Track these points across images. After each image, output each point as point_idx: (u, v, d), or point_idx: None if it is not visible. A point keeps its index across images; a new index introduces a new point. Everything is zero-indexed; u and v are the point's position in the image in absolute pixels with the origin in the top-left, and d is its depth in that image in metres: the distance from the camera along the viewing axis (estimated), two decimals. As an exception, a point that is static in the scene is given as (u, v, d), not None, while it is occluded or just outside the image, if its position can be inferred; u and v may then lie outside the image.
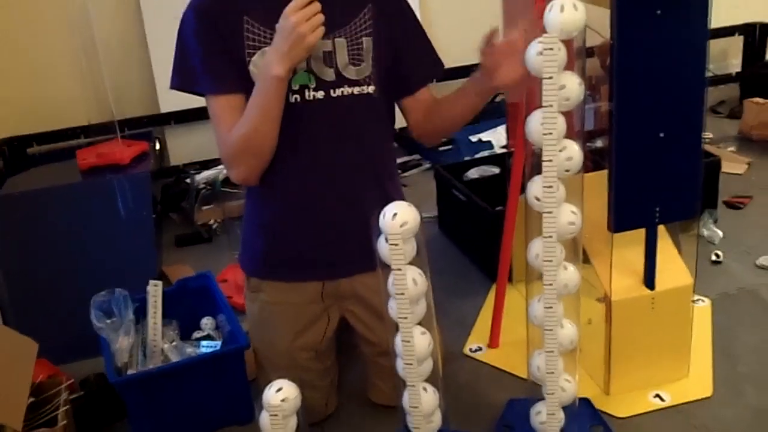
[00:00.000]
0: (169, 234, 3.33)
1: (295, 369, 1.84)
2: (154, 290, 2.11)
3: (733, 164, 3.52)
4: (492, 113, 4.05)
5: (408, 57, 1.79)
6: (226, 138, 1.68)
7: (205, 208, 3.42)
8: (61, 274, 2.64)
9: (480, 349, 2.30)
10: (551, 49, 1.41)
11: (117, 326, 2.00)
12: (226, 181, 3.44)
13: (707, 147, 3.49)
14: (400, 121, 1.89)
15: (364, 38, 1.70)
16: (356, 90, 1.71)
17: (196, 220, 3.38)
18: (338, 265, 1.83)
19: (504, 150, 3.50)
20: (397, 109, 1.88)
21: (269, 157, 1.70)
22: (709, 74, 4.27)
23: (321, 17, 1.53)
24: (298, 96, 1.68)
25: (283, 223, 1.82)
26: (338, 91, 1.70)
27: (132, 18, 3.69)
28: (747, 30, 4.59)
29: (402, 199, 1.79)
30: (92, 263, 2.66)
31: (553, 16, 1.44)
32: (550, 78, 1.42)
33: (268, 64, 1.57)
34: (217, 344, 2.11)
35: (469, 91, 1.72)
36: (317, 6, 1.52)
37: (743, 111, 3.99)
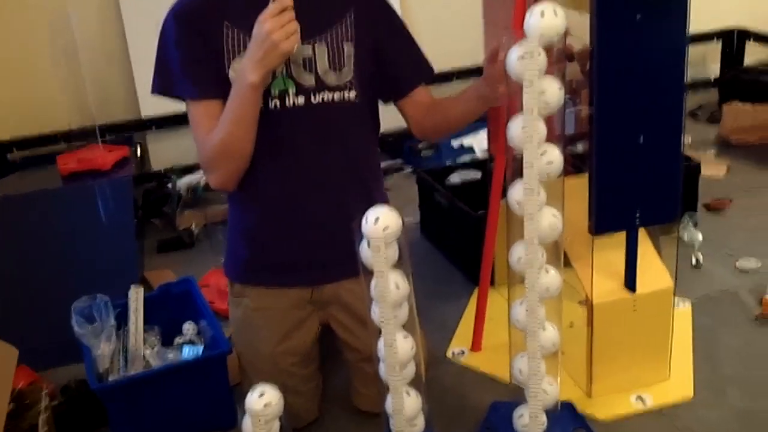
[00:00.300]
0: (150, 239, 3.32)
1: (278, 374, 1.84)
2: (136, 295, 2.11)
3: (712, 168, 3.55)
4: (473, 118, 4.08)
5: (397, 60, 1.79)
6: (203, 143, 1.68)
7: (186, 212, 3.41)
8: (41, 279, 2.63)
9: (463, 352, 2.31)
10: (531, 54, 1.42)
11: (98, 332, 1.99)
12: (208, 186, 3.43)
13: (687, 151, 3.51)
14: (386, 125, 1.89)
15: (345, 44, 1.71)
16: (337, 95, 1.71)
17: (178, 225, 3.36)
18: (321, 270, 1.83)
19: (485, 154, 3.51)
20: (382, 112, 1.88)
21: (246, 162, 1.69)
22: (688, 79, 4.31)
23: (296, 24, 1.52)
24: (278, 101, 1.68)
25: (265, 228, 1.82)
26: (319, 97, 1.70)
27: (113, 23, 3.67)
28: (725, 35, 4.64)
29: (386, 203, 1.79)
30: (73, 269, 2.65)
31: (533, 21, 1.45)
32: (531, 83, 1.43)
33: (243, 71, 1.57)
34: (199, 349, 2.11)
35: (471, 96, 1.71)
36: (291, 14, 1.52)
37: (722, 115, 4.03)
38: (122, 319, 2.08)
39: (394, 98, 1.83)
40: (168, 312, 2.20)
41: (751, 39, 4.60)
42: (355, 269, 1.49)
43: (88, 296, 2.04)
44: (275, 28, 1.51)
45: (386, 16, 1.80)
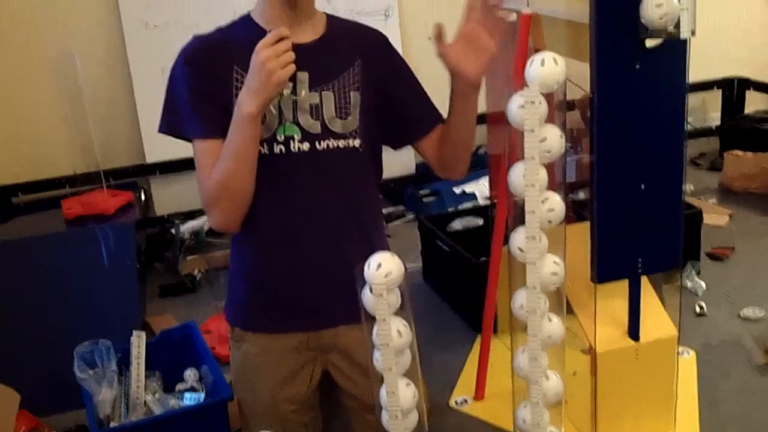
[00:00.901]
0: (153, 284, 3.32)
1: (277, 421, 1.82)
2: (138, 341, 2.10)
3: (714, 216, 3.56)
4: (475, 165, 4.09)
5: (408, 106, 1.80)
6: (205, 182, 1.69)
7: (189, 258, 3.42)
8: (43, 323, 2.62)
9: (465, 401, 2.29)
10: (532, 102, 1.44)
11: (100, 377, 1.98)
12: (211, 231, 3.44)
13: (688, 199, 3.53)
14: (388, 172, 1.89)
15: (351, 92, 1.72)
16: (342, 143, 1.72)
17: (180, 270, 3.37)
18: (321, 316, 1.82)
19: (487, 201, 3.52)
20: (384, 159, 1.89)
21: (246, 201, 1.70)
22: (689, 127, 4.34)
23: (291, 55, 1.54)
24: (282, 147, 1.69)
25: (266, 272, 1.82)
26: (323, 144, 1.71)
27: (119, 68, 3.72)
28: (725, 84, 4.68)
29: (387, 249, 1.78)
30: (76, 313, 2.65)
31: (533, 70, 1.46)
32: (532, 131, 1.44)
33: (240, 102, 1.58)
34: (200, 396, 2.09)
35: (454, 101, 1.72)
36: (287, 44, 1.54)
37: (724, 163, 4.05)
38: (124, 364, 2.07)
39: (411, 141, 1.83)
40: (169, 358, 2.18)
41: (751, 88, 4.65)
42: (354, 315, 1.48)
43: (90, 341, 2.04)
44: (271, 57, 1.52)
45: (393, 64, 1.82)
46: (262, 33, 1.64)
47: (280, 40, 1.52)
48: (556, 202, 1.53)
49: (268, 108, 1.61)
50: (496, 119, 2.25)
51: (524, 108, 1.45)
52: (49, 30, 3.61)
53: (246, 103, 1.56)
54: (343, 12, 1.81)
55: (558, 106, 1.50)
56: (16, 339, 2.59)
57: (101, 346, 2.03)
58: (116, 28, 3.69)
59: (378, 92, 1.75)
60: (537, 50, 1.53)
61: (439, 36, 1.59)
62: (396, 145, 1.87)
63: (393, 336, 1.46)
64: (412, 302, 1.50)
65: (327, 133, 1.70)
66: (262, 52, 1.52)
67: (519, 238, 1.54)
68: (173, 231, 3.53)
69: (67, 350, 2.02)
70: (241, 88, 1.64)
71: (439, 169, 1.86)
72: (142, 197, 3.63)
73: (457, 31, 1.61)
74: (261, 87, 1.54)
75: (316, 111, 1.69)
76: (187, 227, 3.53)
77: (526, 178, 1.47)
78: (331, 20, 1.74)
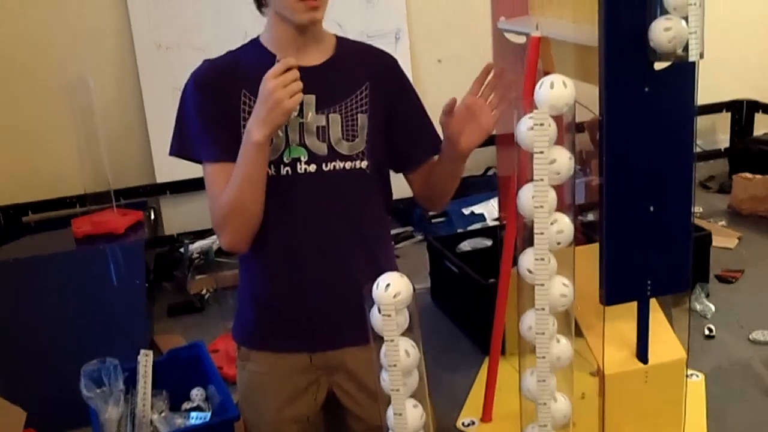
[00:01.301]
0: (161, 303, 3.32)
1: (283, 441, 1.82)
2: (145, 360, 2.10)
3: (723, 238, 3.55)
4: (484, 186, 4.11)
5: (408, 134, 1.81)
6: (215, 204, 1.70)
7: (198, 277, 3.42)
8: (51, 341, 2.63)
9: (473, 423, 2.28)
10: (542, 124, 1.44)
11: (106, 396, 1.98)
12: (220, 251, 3.44)
13: (698, 221, 3.53)
14: (397, 193, 1.90)
15: (359, 115, 1.73)
16: (348, 165, 1.73)
17: (189, 289, 3.37)
18: (328, 336, 1.82)
19: (496, 222, 3.52)
20: (392, 180, 1.90)
21: (255, 222, 1.71)
22: (698, 149, 4.34)
23: (299, 84, 1.56)
24: (289, 169, 1.70)
25: (273, 293, 1.83)
26: (330, 165, 1.72)
27: (131, 88, 3.75)
28: (734, 106, 4.69)
29: (395, 269, 1.79)
30: (83, 331, 2.65)
31: (543, 92, 1.47)
32: (541, 152, 1.45)
33: (249, 130, 1.60)
34: (206, 415, 2.09)
35: (442, 158, 1.75)
36: (296, 73, 1.55)
37: (733, 186, 4.05)
38: (131, 383, 2.07)
39: (403, 170, 1.86)
40: (177, 377, 2.19)
41: (760, 110, 4.65)
42: (361, 336, 1.48)
43: (97, 359, 2.04)
44: (279, 87, 1.54)
45: (401, 88, 1.83)
46: (271, 57, 1.66)
47: (289, 69, 1.54)
48: (565, 224, 1.54)
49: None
50: (505, 141, 2.25)
51: (534, 130, 1.45)
52: (63, 52, 3.65)
53: (254, 131, 1.58)
54: (354, 35, 1.82)
55: (567, 128, 1.51)
56: (23, 357, 2.60)
57: (108, 365, 2.03)
58: (129, 49, 3.72)
59: (385, 114, 1.77)
60: (546, 73, 1.54)
61: (449, 110, 1.63)
62: (395, 170, 1.88)
63: (401, 357, 1.46)
64: (420, 323, 1.51)
65: (334, 154, 1.71)
66: (270, 81, 1.54)
67: (528, 259, 1.54)
68: (182, 250, 3.54)
69: (74, 368, 2.02)
70: (249, 111, 1.66)
71: (420, 200, 1.89)
72: (152, 216, 3.64)
73: (461, 102, 1.65)
74: (269, 116, 1.56)
75: (322, 133, 1.70)
76: (196, 247, 3.54)
77: (536, 199, 1.48)
78: (341, 42, 1.76)
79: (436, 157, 1.82)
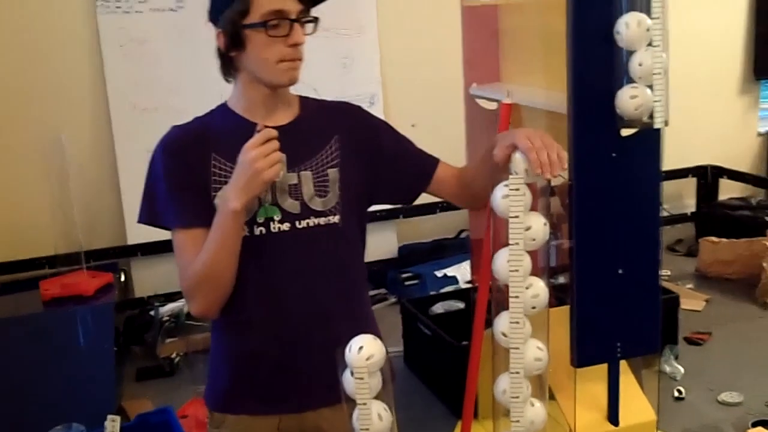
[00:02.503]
0: (130, 367, 3.27)
1: None
2: (112, 426, 2.06)
3: (691, 301, 3.59)
4: (457, 249, 4.14)
5: (406, 160, 1.82)
6: (186, 270, 1.69)
7: (168, 340, 3.38)
8: (17, 405, 2.57)
9: (446, 487, 2.26)
10: (517, 189, 1.47)
11: (73, 462, 1.94)
12: (191, 314, 3.41)
13: (666, 284, 3.56)
14: (371, 255, 1.91)
15: (330, 169, 1.75)
16: (322, 220, 1.74)
17: (158, 353, 3.33)
18: (303, 398, 1.81)
19: (469, 285, 3.54)
20: (367, 243, 1.90)
21: (227, 289, 1.70)
22: (664, 214, 4.42)
23: (279, 154, 1.57)
24: (263, 228, 1.71)
25: (248, 355, 1.81)
26: (303, 223, 1.73)
27: (105, 150, 3.76)
28: (699, 172, 4.79)
29: (374, 324, 1.78)
30: (50, 395, 2.60)
31: (518, 159, 1.51)
32: (517, 217, 1.47)
33: (226, 198, 1.61)
34: (175, 482, 2.05)
35: (483, 163, 1.72)
36: (276, 144, 1.57)
37: (699, 249, 4.11)
38: (98, 449, 2.04)
39: (423, 190, 1.84)
40: (145, 442, 2.15)
41: (725, 176, 4.76)
42: (336, 397, 1.48)
43: (63, 425, 2.01)
44: (259, 157, 1.56)
45: (373, 132, 1.84)
46: (240, 120, 1.68)
47: (269, 140, 1.56)
48: (540, 288, 1.55)
49: None
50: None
51: (509, 196, 1.48)
52: (38, 112, 3.66)
53: (232, 199, 1.59)
54: (329, 99, 1.85)
55: (541, 194, 1.54)
56: (-12, 421, 2.54)
57: (75, 430, 2.00)
58: (104, 110, 3.74)
59: (366, 161, 1.78)
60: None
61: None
62: (409, 199, 1.87)
63: (374, 420, 1.45)
64: (392, 386, 1.50)
65: (307, 211, 1.72)
66: (251, 152, 1.56)
67: (503, 323, 1.55)
68: (153, 313, 3.50)
69: (41, 433, 1.98)
70: (220, 175, 1.67)
71: (465, 204, 1.88)
72: (122, 278, 3.61)
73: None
74: (248, 185, 1.57)
75: (295, 191, 1.71)
76: (167, 309, 3.51)
77: (511, 264, 1.50)
78: (304, 101, 1.78)
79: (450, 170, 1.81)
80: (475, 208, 1.90)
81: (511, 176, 1.49)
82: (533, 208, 1.52)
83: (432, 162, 1.84)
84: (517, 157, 1.51)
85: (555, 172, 1.51)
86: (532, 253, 1.53)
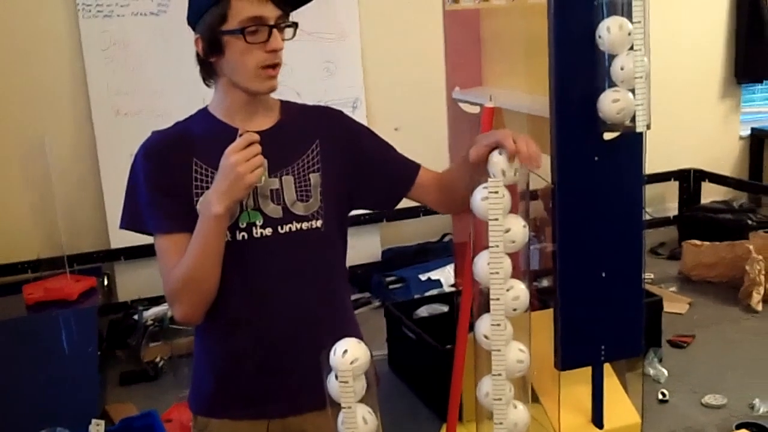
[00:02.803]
0: (114, 371, 3.26)
1: None
2: (96, 430, 2.05)
3: (674, 304, 3.61)
4: (441, 252, 4.15)
5: (387, 165, 1.82)
6: (169, 275, 1.69)
7: (152, 345, 3.37)
8: (1, 409, 2.56)
9: (430, 490, 2.26)
10: (496, 192, 1.48)
11: (56, 467, 1.93)
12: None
13: (649, 287, 3.58)
14: (355, 259, 1.91)
15: (311, 174, 1.75)
16: (304, 225, 1.74)
17: (142, 357, 3.31)
18: (288, 402, 1.81)
19: (452, 288, 3.54)
20: (353, 246, 1.90)
21: (211, 294, 1.70)
22: (647, 217, 4.45)
23: (260, 159, 1.57)
24: (245, 233, 1.70)
25: (231, 360, 1.81)
26: (286, 227, 1.73)
27: (88, 154, 3.74)
28: (682, 175, 4.83)
29: (357, 329, 1.78)
30: (34, 400, 2.59)
31: (496, 161, 1.51)
32: (496, 220, 1.48)
33: (208, 203, 1.60)
34: (159, 487, 2.04)
35: (462, 166, 1.72)
36: (257, 148, 1.57)
37: (682, 253, 4.14)
38: (81, 454, 2.03)
39: (404, 195, 1.84)
40: (129, 447, 2.14)
41: (707, 179, 4.79)
42: (321, 401, 1.48)
43: (47, 429, 1.99)
44: (241, 161, 1.56)
45: (354, 136, 1.84)
46: (220, 125, 1.67)
47: (250, 144, 1.56)
48: (520, 290, 1.56)
49: None
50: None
51: (488, 198, 1.49)
52: (21, 116, 3.64)
53: (214, 203, 1.58)
54: (312, 103, 1.85)
55: (521, 197, 1.54)
56: (-30, 427, 2.52)
57: (59, 435, 1.99)
58: (86, 114, 3.73)
59: (347, 166, 1.78)
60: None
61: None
62: (389, 205, 1.87)
63: (359, 424, 1.45)
64: (377, 389, 1.50)
65: (289, 216, 1.72)
66: (232, 156, 1.55)
67: (484, 325, 1.55)
68: (136, 317, 3.49)
69: (24, 438, 1.97)
70: (201, 180, 1.67)
71: (446, 209, 1.87)
72: (106, 283, 3.60)
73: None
74: (230, 189, 1.57)
75: (277, 196, 1.71)
76: (151, 313, 3.50)
77: (491, 266, 1.50)
78: (285, 105, 1.78)
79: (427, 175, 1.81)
80: (455, 213, 1.91)
81: (489, 179, 1.49)
82: (513, 210, 1.52)
83: (413, 167, 1.85)
84: (495, 158, 1.52)
85: (535, 163, 1.52)
86: (513, 256, 1.53)
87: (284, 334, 1.76)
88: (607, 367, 1.98)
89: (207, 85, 1.72)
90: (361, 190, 1.82)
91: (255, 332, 1.76)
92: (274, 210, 1.71)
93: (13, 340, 2.76)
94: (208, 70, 1.69)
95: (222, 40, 1.62)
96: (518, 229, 1.53)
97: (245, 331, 1.76)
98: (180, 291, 1.67)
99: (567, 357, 1.88)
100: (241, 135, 1.57)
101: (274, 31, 1.61)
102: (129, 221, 1.74)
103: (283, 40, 1.64)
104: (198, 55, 1.67)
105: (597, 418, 1.96)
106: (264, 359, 1.77)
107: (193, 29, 1.66)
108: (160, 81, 3.77)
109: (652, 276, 4.02)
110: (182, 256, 1.65)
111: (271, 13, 1.60)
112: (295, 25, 1.66)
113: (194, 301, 1.69)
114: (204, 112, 1.74)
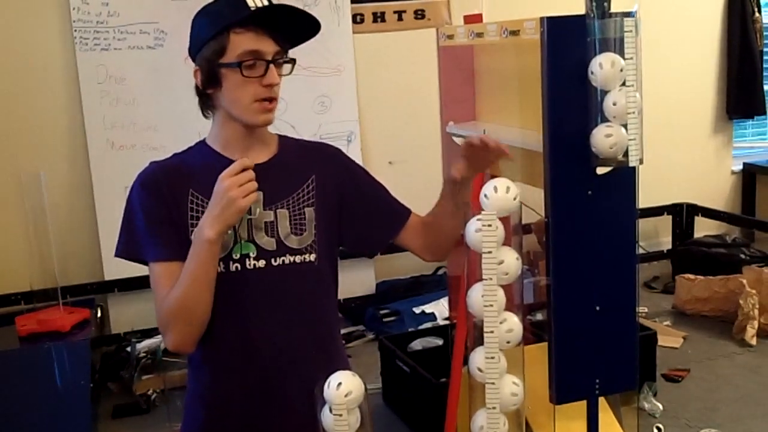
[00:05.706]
0: (106, 404, 3.23)
1: None
2: (88, 464, 2.04)
3: (669, 338, 3.61)
4: (435, 285, 4.15)
5: (378, 207, 1.83)
6: (161, 303, 1.69)
7: (144, 377, 3.35)
8: (-11, 445, 2.54)
9: None
10: (489, 225, 1.49)
11: (46, 502, 1.91)
12: (168, 351, 3.39)
13: (643, 321, 3.59)
14: (349, 292, 1.91)
15: (306, 209, 1.76)
16: (298, 258, 1.75)
17: (135, 389, 3.29)
18: (281, 436, 1.80)
19: (447, 321, 3.54)
20: (345, 279, 1.91)
21: (203, 323, 1.70)
22: (641, 251, 4.46)
23: (254, 184, 1.59)
24: (238, 265, 1.71)
25: (223, 393, 1.80)
26: (279, 260, 1.73)
27: (83, 186, 3.75)
28: (675, 210, 4.85)
29: (347, 365, 1.78)
30: (26, 431, 2.56)
31: (488, 195, 1.53)
32: (490, 252, 1.49)
33: (201, 228, 1.61)
34: None
35: (443, 199, 1.76)
36: (251, 173, 1.59)
37: (676, 287, 4.14)
38: (72, 489, 2.00)
39: (391, 238, 1.85)
40: (120, 481, 2.12)
41: (699, 213, 4.81)
42: (316, 433, 1.47)
43: (37, 464, 1.97)
44: (233, 186, 1.57)
45: (350, 174, 1.85)
46: (218, 157, 1.69)
47: (244, 170, 1.57)
48: (514, 323, 1.57)
49: None
50: (456, 242, 2.30)
51: (482, 231, 1.50)
52: (16, 149, 3.66)
53: (207, 228, 1.59)
54: (307, 137, 1.87)
55: (514, 230, 1.55)
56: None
57: (50, 469, 1.97)
58: (82, 147, 3.74)
59: (340, 203, 1.79)
60: (493, 176, 1.60)
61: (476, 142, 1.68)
62: (376, 247, 1.88)
63: (353, 457, 1.44)
64: (371, 423, 1.50)
65: (283, 249, 1.72)
66: (225, 180, 1.57)
67: (478, 358, 1.56)
68: (129, 349, 3.47)
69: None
70: (197, 211, 1.68)
71: (429, 256, 1.88)
72: (99, 314, 3.58)
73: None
74: (222, 214, 1.58)
75: (271, 228, 1.72)
76: (144, 346, 3.48)
77: (485, 298, 1.51)
78: (283, 140, 1.80)
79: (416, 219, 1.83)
80: (439, 258, 1.92)
81: (482, 211, 1.51)
82: (506, 243, 1.53)
83: (404, 212, 1.86)
84: (487, 194, 1.54)
85: (504, 150, 1.69)
86: (507, 289, 1.54)
87: (275, 368, 1.76)
88: (602, 401, 1.98)
89: (205, 117, 1.74)
90: (350, 229, 1.82)
91: (245, 366, 1.76)
92: (267, 242, 1.72)
93: (5, 372, 2.75)
94: (207, 102, 1.71)
95: (220, 73, 1.64)
96: (511, 261, 1.54)
97: (236, 365, 1.76)
98: (171, 319, 1.67)
99: (562, 390, 1.87)
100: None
101: (271, 65, 1.63)
102: (124, 249, 1.75)
103: (281, 75, 1.66)
104: (197, 86, 1.69)
105: (592, 453, 1.95)
106: (254, 393, 1.76)
107: (193, 60, 1.68)
108: (155, 115, 3.79)
109: (646, 310, 4.02)
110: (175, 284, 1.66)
111: (269, 48, 1.63)
112: (293, 61, 1.69)
113: (185, 329, 1.69)
114: (201, 144, 1.76)
